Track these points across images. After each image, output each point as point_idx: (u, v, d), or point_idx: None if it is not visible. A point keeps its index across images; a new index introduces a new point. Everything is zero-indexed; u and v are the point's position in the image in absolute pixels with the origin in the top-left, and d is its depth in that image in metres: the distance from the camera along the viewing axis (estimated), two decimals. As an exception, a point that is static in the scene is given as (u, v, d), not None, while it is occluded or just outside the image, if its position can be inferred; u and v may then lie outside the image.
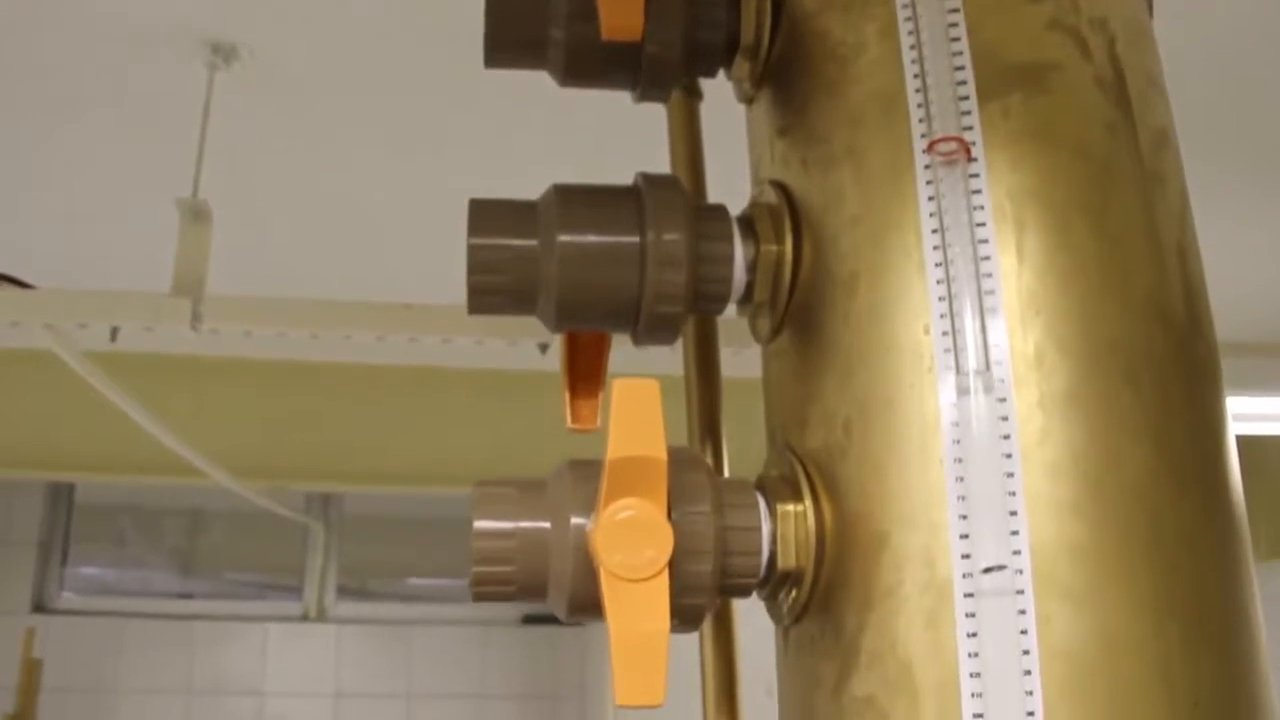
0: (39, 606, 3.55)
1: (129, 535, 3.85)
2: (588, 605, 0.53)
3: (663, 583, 0.49)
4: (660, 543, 0.49)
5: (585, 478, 0.53)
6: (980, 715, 0.47)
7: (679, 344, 0.70)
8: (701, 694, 0.70)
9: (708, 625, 0.71)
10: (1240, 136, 1.88)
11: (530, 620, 3.67)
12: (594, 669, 3.39)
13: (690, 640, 0.70)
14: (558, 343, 0.68)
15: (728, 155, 0.75)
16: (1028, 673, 0.47)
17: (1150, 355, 0.52)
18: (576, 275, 0.58)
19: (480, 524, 0.53)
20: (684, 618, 0.54)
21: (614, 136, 1.11)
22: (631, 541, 0.48)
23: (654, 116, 0.73)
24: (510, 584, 0.53)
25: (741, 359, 0.78)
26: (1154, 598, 0.49)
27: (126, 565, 3.80)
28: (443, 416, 2.89)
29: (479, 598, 0.54)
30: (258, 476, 2.72)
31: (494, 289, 0.59)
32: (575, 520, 0.53)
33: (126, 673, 3.51)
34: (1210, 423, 0.54)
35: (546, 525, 0.53)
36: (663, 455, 0.48)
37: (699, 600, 0.53)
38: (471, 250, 0.59)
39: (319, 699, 3.54)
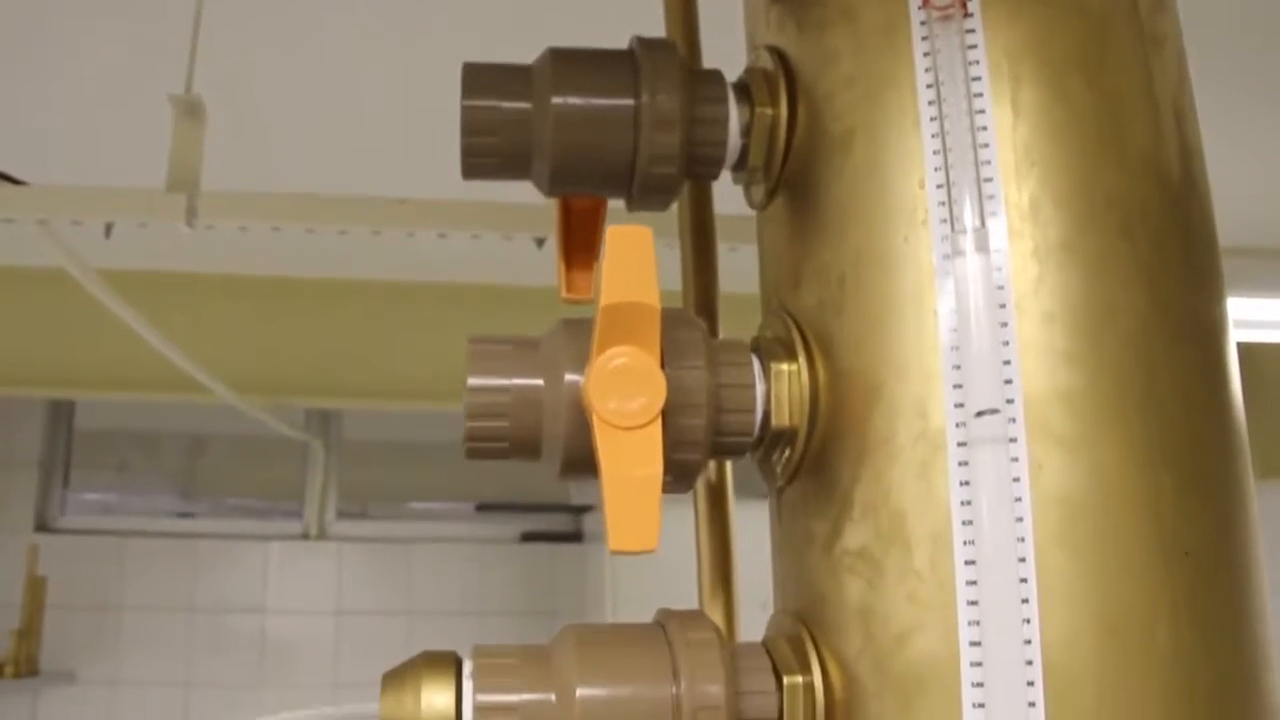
0: (41, 526, 3.57)
1: (130, 460, 3.86)
2: (581, 462, 0.53)
3: (655, 431, 0.49)
4: (653, 390, 0.49)
5: (579, 334, 0.53)
6: (972, 563, 0.47)
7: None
8: (697, 580, 0.71)
9: (703, 509, 0.71)
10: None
11: (529, 538, 3.69)
12: (592, 586, 3.41)
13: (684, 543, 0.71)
14: (554, 240, 0.67)
15: (724, 32, 0.75)
16: (1020, 520, 0.47)
17: (1146, 211, 0.52)
18: (571, 137, 0.58)
19: (475, 380, 0.53)
20: (677, 474, 0.54)
21: (612, 6, 1.09)
22: (624, 389, 0.48)
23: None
24: (503, 440, 0.53)
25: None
26: (1147, 447, 0.49)
27: (128, 490, 3.81)
28: (441, 332, 2.89)
29: (472, 454, 0.54)
30: (257, 393, 2.72)
31: (487, 151, 0.59)
32: (569, 376, 0.53)
33: (129, 591, 3.54)
34: (1206, 282, 0.54)
35: (540, 382, 0.53)
36: (656, 302, 0.48)
37: (693, 456, 0.53)
38: (465, 112, 0.58)
39: (320, 616, 3.57)
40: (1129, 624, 0.47)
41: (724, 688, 0.50)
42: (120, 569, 3.56)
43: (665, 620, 0.54)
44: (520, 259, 1.57)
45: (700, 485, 0.72)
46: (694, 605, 0.71)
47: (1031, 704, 0.46)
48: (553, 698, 0.51)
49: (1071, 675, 0.46)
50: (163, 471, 3.86)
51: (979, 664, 0.46)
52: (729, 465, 0.72)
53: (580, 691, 0.50)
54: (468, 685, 0.51)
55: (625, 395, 0.48)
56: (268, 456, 3.83)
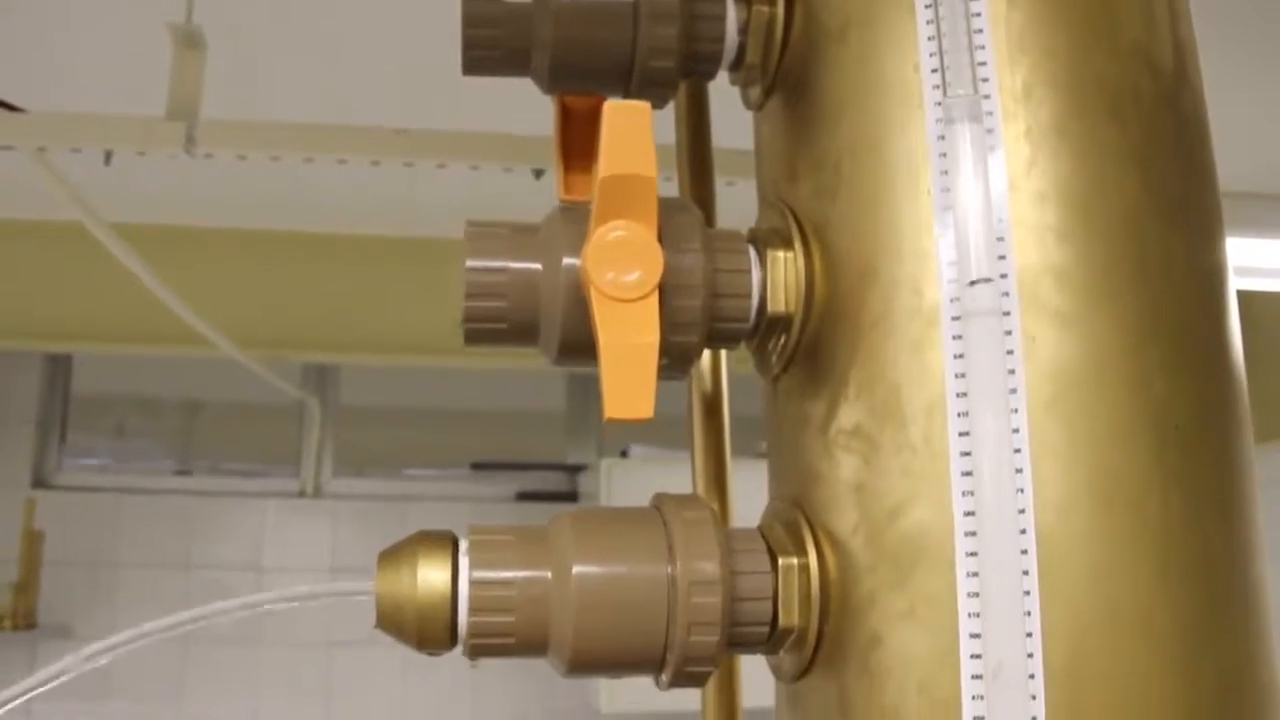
0: (39, 482, 3.57)
1: (126, 423, 3.86)
2: (578, 344, 0.53)
3: (652, 304, 0.49)
4: (650, 263, 0.49)
5: (577, 219, 0.53)
6: (966, 434, 0.48)
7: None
8: (691, 474, 0.71)
9: (698, 421, 0.72)
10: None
11: (524, 497, 3.70)
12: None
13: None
14: (553, 171, 0.67)
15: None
16: (1013, 391, 0.48)
17: (1138, 97, 0.52)
18: (570, 31, 0.58)
19: (473, 261, 0.53)
20: (674, 356, 0.54)
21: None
22: (622, 261, 0.49)
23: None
24: (502, 320, 0.54)
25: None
26: (1138, 322, 0.49)
27: (124, 453, 3.81)
28: (438, 288, 2.89)
29: (471, 337, 0.55)
30: (255, 347, 2.72)
31: (488, 44, 0.59)
32: (567, 259, 0.53)
33: (126, 548, 3.55)
34: (1198, 170, 0.54)
35: (538, 265, 0.54)
36: (653, 175, 0.49)
37: (689, 338, 0.54)
38: (466, 5, 0.58)
39: (316, 574, 3.58)
40: (1120, 494, 0.48)
41: (719, 565, 0.51)
42: (116, 525, 3.57)
43: (661, 503, 0.54)
44: (519, 210, 1.57)
45: (696, 398, 0.72)
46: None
47: (1025, 572, 0.46)
48: (549, 574, 0.52)
49: (1064, 543, 0.47)
50: (159, 435, 3.86)
51: (973, 533, 0.47)
52: (725, 380, 0.73)
53: (576, 568, 0.51)
54: (464, 562, 0.52)
55: (622, 267, 0.49)
56: (264, 420, 3.84)
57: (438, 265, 2.92)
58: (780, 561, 0.53)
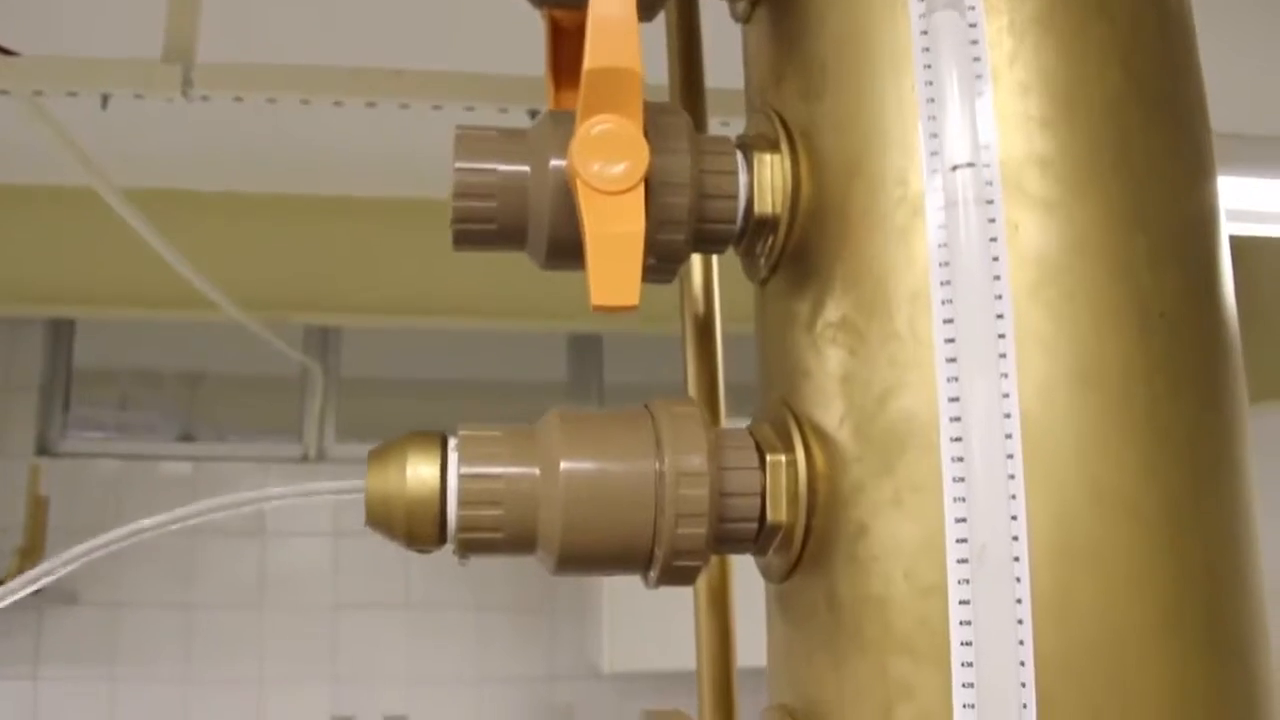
0: (43, 449, 3.58)
1: (129, 395, 3.86)
2: (567, 246, 0.53)
3: (638, 196, 0.49)
4: (636, 155, 0.49)
5: (564, 122, 0.54)
6: (950, 321, 0.48)
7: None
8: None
9: (690, 334, 0.72)
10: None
11: (528, 460, 3.70)
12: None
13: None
14: (543, 60, 0.67)
15: None
16: (997, 278, 0.48)
17: (1123, -9, 0.53)
18: None
19: (461, 163, 0.54)
20: (661, 255, 0.54)
21: None
22: (607, 153, 0.49)
23: None
24: (491, 221, 0.54)
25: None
26: (1122, 209, 0.49)
27: (128, 426, 3.81)
28: (439, 250, 2.89)
29: (460, 239, 0.55)
30: (258, 310, 2.72)
31: None
32: (555, 161, 0.53)
33: (130, 514, 3.51)
34: (1181, 66, 0.55)
35: (526, 167, 0.54)
36: (639, 68, 0.49)
37: (676, 236, 0.54)
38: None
39: (319, 538, 3.59)
40: (1105, 379, 0.48)
41: (706, 458, 0.52)
42: (120, 493, 3.57)
43: (650, 402, 0.55)
44: None
45: (688, 321, 0.72)
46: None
47: (1009, 456, 0.47)
48: (537, 471, 0.52)
49: (1048, 427, 0.47)
50: (162, 406, 3.86)
51: (957, 419, 0.47)
52: (717, 302, 0.73)
53: (564, 464, 0.51)
54: (453, 457, 0.52)
55: (608, 159, 0.49)
56: (267, 390, 3.84)
57: (437, 227, 2.92)
58: (768, 458, 0.54)
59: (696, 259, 0.71)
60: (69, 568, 0.52)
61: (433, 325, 3.24)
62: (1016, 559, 0.46)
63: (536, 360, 3.93)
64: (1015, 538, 0.46)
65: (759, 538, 0.54)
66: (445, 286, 2.91)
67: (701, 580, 0.69)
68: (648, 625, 2.99)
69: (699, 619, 0.69)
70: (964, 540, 0.47)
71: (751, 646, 0.67)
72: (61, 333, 3.70)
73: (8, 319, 3.53)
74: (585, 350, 3.91)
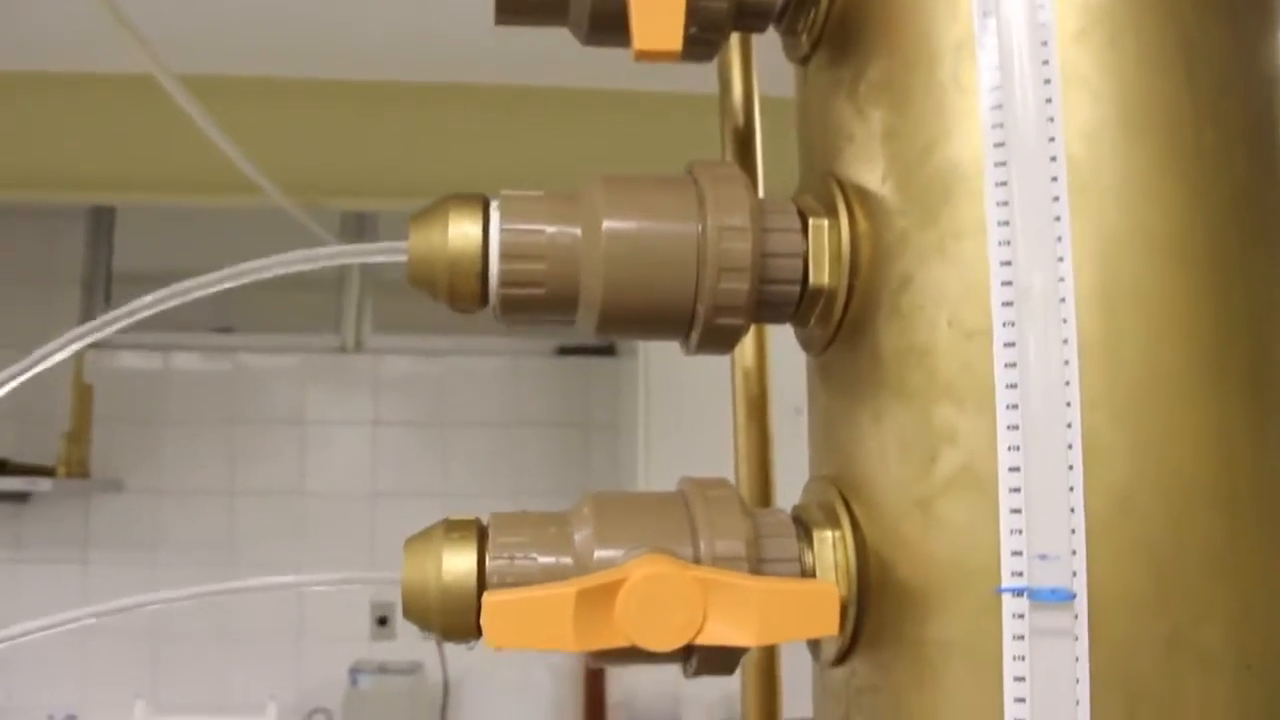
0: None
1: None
2: (609, 17, 0.53)
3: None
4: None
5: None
6: (995, 67, 0.48)
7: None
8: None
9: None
10: None
11: (563, 352, 3.71)
12: (625, 399, 3.44)
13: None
14: None
15: None
16: (1042, 24, 0.47)
17: None
18: None
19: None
20: (702, 25, 0.54)
21: None
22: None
23: None
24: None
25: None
26: None
27: (168, 323, 3.82)
28: (477, 136, 2.89)
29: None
30: (295, 194, 2.73)
31: None
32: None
33: (171, 405, 3.59)
34: None
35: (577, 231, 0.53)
36: None
37: (718, 4, 0.53)
38: None
39: (357, 427, 3.62)
40: (1151, 124, 0.47)
41: (749, 218, 0.51)
42: (163, 384, 3.61)
43: (692, 167, 0.54)
44: (554, 56, 1.55)
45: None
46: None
47: (1055, 198, 0.46)
48: (579, 230, 0.52)
49: (1094, 169, 0.47)
50: (201, 304, 3.85)
51: (1003, 164, 0.47)
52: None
53: (607, 223, 0.51)
54: (495, 215, 0.52)
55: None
56: (305, 288, 3.84)
57: (473, 112, 2.91)
58: (811, 222, 0.53)
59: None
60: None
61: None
62: (1063, 300, 0.46)
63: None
64: (1061, 279, 0.46)
65: (800, 303, 0.54)
66: (481, 172, 2.90)
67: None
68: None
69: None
70: (1009, 283, 0.46)
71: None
72: (101, 227, 3.71)
73: (49, 212, 3.55)
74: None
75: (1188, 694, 0.46)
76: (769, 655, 0.71)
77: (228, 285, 0.54)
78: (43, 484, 3.18)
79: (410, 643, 3.52)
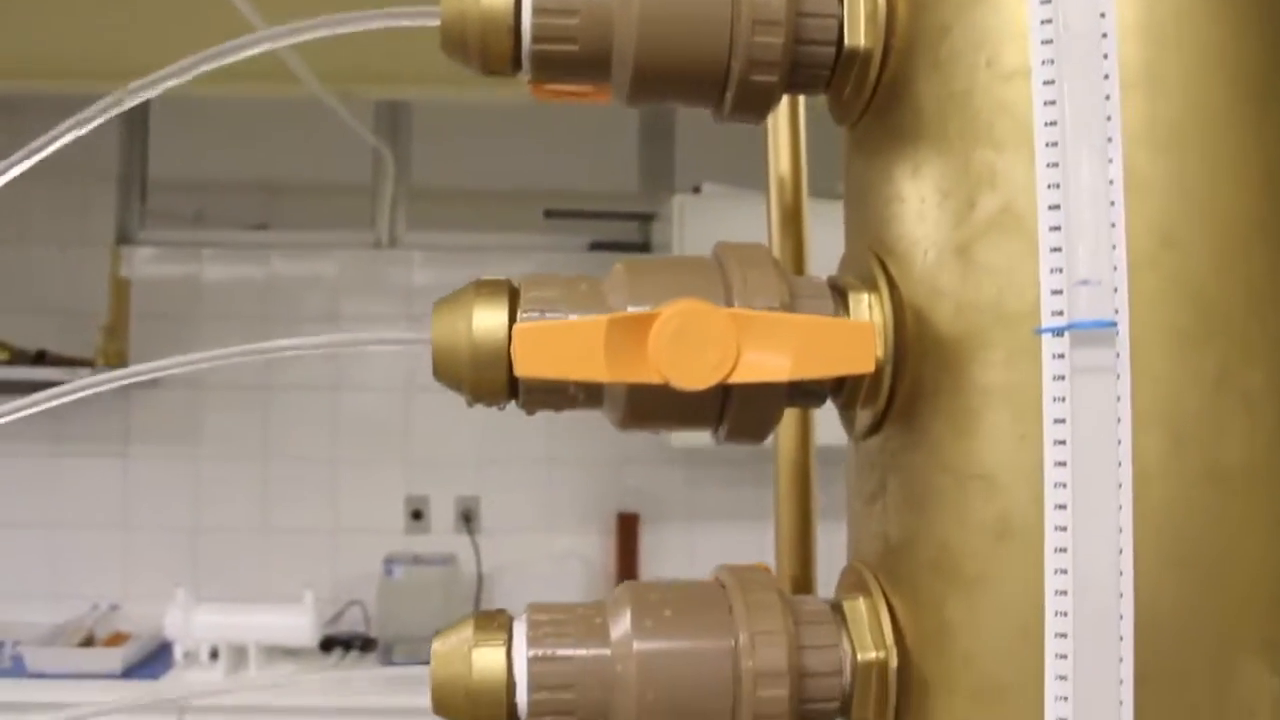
0: (122, 238, 3.62)
1: (206, 202, 3.84)
2: None
3: None
4: None
5: None
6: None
7: None
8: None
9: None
10: None
11: (596, 247, 3.70)
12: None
13: None
14: None
15: None
16: None
17: None
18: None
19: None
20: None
21: None
22: None
23: None
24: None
25: None
26: None
27: (204, 220, 3.82)
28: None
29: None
30: (329, 83, 2.72)
31: None
32: None
33: (207, 300, 3.61)
34: None
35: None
36: None
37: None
38: None
39: (392, 321, 3.63)
40: None
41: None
42: (198, 279, 3.63)
43: None
44: None
45: None
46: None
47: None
48: (614, -13, 0.51)
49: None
50: (237, 205, 3.84)
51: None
52: None
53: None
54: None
55: None
56: (339, 192, 3.84)
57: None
58: (845, -11, 0.52)
59: None
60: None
61: (503, 101, 3.22)
62: (1104, 35, 0.45)
63: (610, 131, 3.88)
64: (1102, 14, 0.45)
65: (835, 68, 0.53)
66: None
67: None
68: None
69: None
70: (1048, 20, 0.46)
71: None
72: (135, 124, 3.71)
73: (87, 105, 3.54)
74: (656, 124, 3.87)
75: (1232, 435, 0.45)
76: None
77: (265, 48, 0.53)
78: (82, 374, 3.21)
79: (444, 536, 3.56)
